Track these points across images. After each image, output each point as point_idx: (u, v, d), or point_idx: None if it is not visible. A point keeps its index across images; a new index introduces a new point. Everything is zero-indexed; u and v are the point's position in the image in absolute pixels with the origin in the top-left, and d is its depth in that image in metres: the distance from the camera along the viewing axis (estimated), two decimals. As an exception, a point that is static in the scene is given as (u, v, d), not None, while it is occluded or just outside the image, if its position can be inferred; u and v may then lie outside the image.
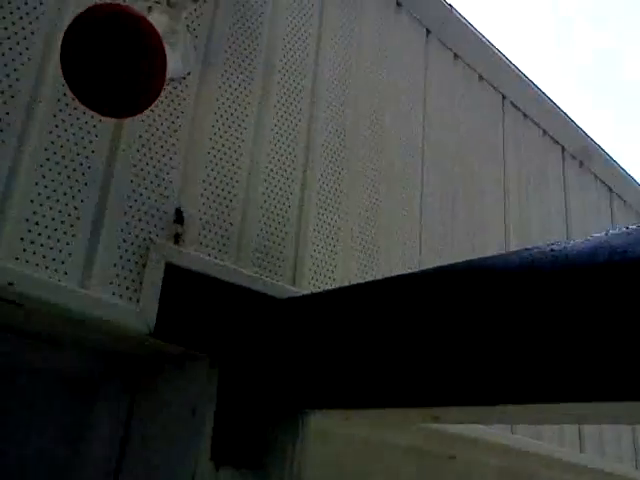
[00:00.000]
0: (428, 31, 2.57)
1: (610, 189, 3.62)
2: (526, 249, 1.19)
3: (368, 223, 2.00)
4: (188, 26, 1.64)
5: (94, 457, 1.64)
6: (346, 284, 1.84)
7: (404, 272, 1.73)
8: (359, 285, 1.57)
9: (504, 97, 2.92)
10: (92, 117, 1.39)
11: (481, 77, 2.81)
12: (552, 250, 1.11)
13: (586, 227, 3.21)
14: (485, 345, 1.11)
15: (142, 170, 1.47)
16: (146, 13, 1.55)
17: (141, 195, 1.46)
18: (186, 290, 1.51)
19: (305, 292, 1.74)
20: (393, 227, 2.09)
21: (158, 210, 1.49)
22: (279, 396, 1.58)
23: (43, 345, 1.63)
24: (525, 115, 3.04)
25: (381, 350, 1.37)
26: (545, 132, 3.16)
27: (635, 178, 3.73)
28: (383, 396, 1.37)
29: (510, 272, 1.17)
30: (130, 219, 1.43)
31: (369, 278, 1.92)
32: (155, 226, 1.47)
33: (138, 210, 1.45)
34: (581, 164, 3.38)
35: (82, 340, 1.63)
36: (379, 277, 1.92)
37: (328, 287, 1.82)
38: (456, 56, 2.70)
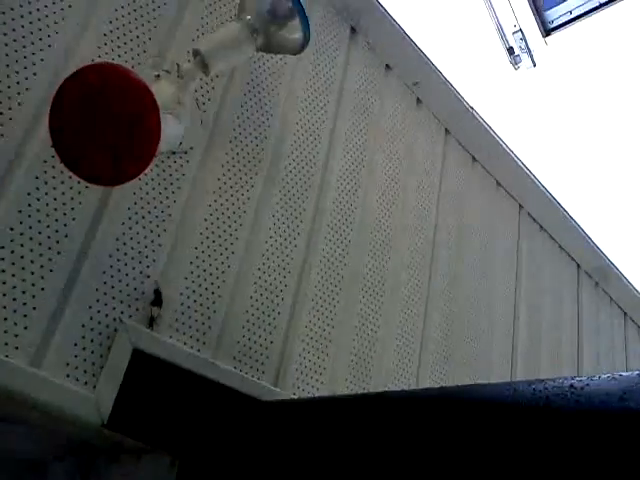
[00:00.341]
0: (447, 131, 2.52)
1: (625, 312, 3.46)
2: (540, 381, 1.03)
3: (363, 333, 1.85)
4: (197, 99, 1.58)
5: None
6: (334, 392, 1.67)
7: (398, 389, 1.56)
8: (345, 397, 1.41)
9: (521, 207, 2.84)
10: (78, 182, 1.30)
11: (499, 184, 2.74)
12: (572, 387, 0.96)
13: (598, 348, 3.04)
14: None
15: (125, 244, 1.36)
16: (153, 81, 1.49)
17: (119, 271, 1.34)
18: (152, 381, 1.35)
19: (287, 394, 1.57)
20: (390, 340, 1.93)
21: (135, 289, 1.36)
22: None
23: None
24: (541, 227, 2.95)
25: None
26: (561, 247, 3.05)
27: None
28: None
29: (520, 406, 1.01)
30: (102, 296, 1.30)
31: (359, 389, 1.75)
32: (129, 306, 1.34)
33: (112, 287, 1.32)
34: (597, 284, 3.24)
35: (32, 419, 1.46)
36: (370, 389, 1.75)
37: (314, 391, 1.64)
38: (474, 159, 2.65)
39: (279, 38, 1.68)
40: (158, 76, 1.54)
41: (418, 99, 2.41)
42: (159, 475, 1.42)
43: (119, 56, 1.46)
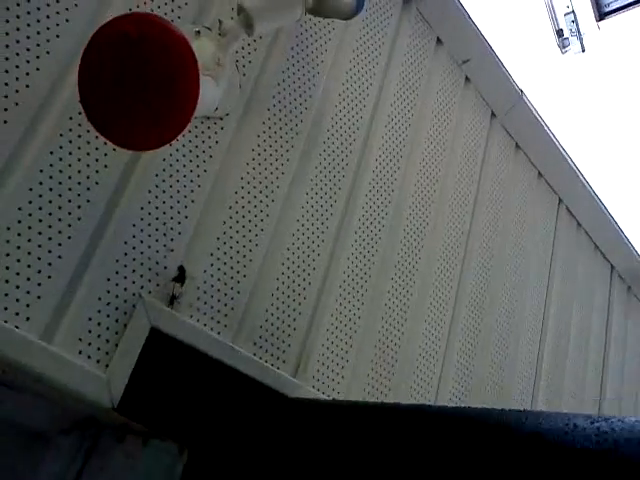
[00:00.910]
0: (493, 114, 2.38)
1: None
2: (565, 415, 0.92)
3: (389, 326, 1.75)
4: (237, 62, 1.46)
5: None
6: (352, 390, 1.58)
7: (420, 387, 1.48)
8: (372, 405, 1.32)
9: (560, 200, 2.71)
10: (105, 144, 1.20)
11: (540, 175, 2.60)
12: (598, 430, 0.84)
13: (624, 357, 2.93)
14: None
15: (149, 214, 1.26)
16: (193, 38, 1.37)
17: (142, 242, 1.24)
18: (168, 363, 1.27)
19: (307, 386, 1.49)
20: (416, 335, 1.83)
21: (158, 263, 1.26)
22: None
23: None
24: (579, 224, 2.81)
25: None
26: (597, 246, 2.92)
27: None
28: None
29: (539, 438, 0.91)
30: (122, 268, 1.21)
31: (381, 386, 1.66)
32: (149, 281, 1.25)
33: (134, 259, 1.23)
34: (629, 288, 3.11)
35: (38, 391, 1.39)
36: (392, 386, 1.67)
37: (334, 386, 1.56)
38: (517, 146, 2.50)
39: (331, 1, 1.55)
40: (198, 32, 1.42)
41: (467, 77, 2.27)
42: (164, 461, 1.36)
43: (158, 7, 1.34)
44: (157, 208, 1.27)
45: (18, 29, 1.13)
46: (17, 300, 1.08)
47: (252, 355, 1.39)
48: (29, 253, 1.09)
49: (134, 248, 1.23)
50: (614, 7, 4.17)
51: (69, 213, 1.14)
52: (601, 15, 4.27)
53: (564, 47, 4.51)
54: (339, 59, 1.74)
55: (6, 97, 1.10)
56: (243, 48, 1.49)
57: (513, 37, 4.29)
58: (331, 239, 1.62)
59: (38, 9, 1.14)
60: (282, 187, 1.52)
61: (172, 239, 1.29)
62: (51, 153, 1.13)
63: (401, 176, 1.88)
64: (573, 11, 4.34)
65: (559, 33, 4.49)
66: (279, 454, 1.32)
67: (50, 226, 1.12)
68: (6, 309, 1.06)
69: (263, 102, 1.51)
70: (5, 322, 1.05)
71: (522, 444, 0.90)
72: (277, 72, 1.56)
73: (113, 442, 1.47)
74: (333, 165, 1.67)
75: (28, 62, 1.13)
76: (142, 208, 1.25)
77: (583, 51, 4.49)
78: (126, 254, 1.21)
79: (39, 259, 1.10)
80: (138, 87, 1.06)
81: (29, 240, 1.09)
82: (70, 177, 1.15)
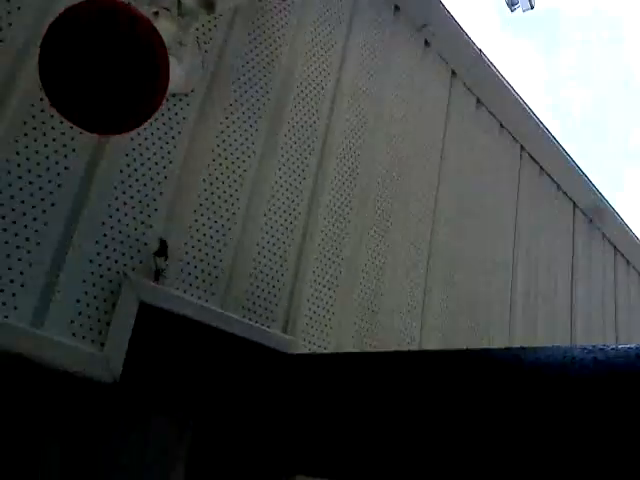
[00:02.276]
0: (454, 73, 2.27)
1: (615, 248, 3.29)
2: (561, 348, 0.85)
3: (371, 276, 1.68)
4: (198, 39, 1.35)
5: None
6: (342, 337, 1.52)
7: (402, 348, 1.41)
8: (358, 354, 1.26)
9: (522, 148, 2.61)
10: (71, 128, 1.09)
11: (502, 126, 2.50)
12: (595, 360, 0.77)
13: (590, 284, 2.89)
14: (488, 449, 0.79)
15: (124, 193, 1.16)
16: (152, 19, 1.26)
17: (119, 221, 1.15)
18: (162, 335, 1.19)
19: (298, 340, 1.42)
20: (395, 296, 1.76)
21: (138, 240, 1.17)
22: (261, 461, 1.26)
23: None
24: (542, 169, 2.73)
25: (374, 429, 1.05)
26: (559, 187, 2.84)
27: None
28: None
29: (539, 372, 0.85)
30: (102, 249, 1.12)
31: (367, 332, 1.60)
32: (132, 258, 1.16)
33: (113, 239, 1.14)
34: (590, 221, 3.05)
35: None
36: (378, 332, 1.60)
37: (323, 337, 1.49)
38: (479, 101, 2.40)
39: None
40: (157, 13, 1.30)
41: (426, 41, 2.15)
42: (173, 430, 1.29)
43: (110, -11, 1.22)
44: (131, 186, 1.17)
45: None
46: (2, 290, 0.99)
47: (241, 317, 1.32)
48: (6, 242, 1.00)
49: (112, 228, 1.14)
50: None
51: (42, 199, 1.05)
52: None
53: (513, 5, 4.34)
54: (299, 32, 1.62)
55: (-37, 90, 0.99)
56: (203, 25, 1.37)
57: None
58: (307, 199, 1.54)
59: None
60: (253, 157, 1.43)
61: (149, 215, 1.20)
62: (16, 141, 1.03)
63: (369, 138, 1.78)
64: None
65: (508, -6, 4.31)
66: (278, 408, 1.25)
67: (24, 214, 1.03)
68: (-10, 299, 0.98)
69: (227, 77, 1.41)
70: (-9, 312, 0.97)
71: (525, 379, 0.84)
72: (239, 48, 1.45)
73: (122, 418, 1.40)
74: (302, 132, 1.57)
75: (-18, 54, 1.02)
76: (115, 188, 1.15)
77: (532, 8, 4.32)
78: (105, 235, 1.13)
79: (17, 248, 1.02)
80: (102, 72, 0.95)
81: (4, 230, 1.00)
82: (38, 163, 1.05)
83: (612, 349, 0.72)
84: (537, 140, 2.59)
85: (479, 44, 2.33)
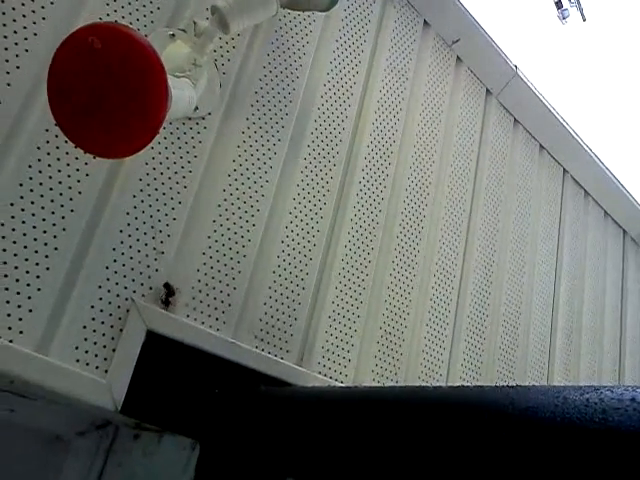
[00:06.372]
0: (488, 91, 2.26)
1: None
2: (555, 388, 0.83)
3: (394, 307, 1.68)
4: (216, 60, 1.40)
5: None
6: (360, 375, 1.52)
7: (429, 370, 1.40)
8: (381, 389, 1.25)
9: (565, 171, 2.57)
10: (85, 153, 1.15)
11: (542, 147, 2.48)
12: (587, 401, 0.75)
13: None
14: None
15: (136, 219, 1.21)
16: (167, 41, 1.32)
17: (130, 248, 1.19)
18: (168, 364, 1.22)
19: (313, 373, 1.43)
20: (422, 315, 1.75)
21: (149, 267, 1.21)
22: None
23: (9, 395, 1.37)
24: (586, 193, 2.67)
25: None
26: (606, 213, 2.78)
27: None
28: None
29: (531, 414, 0.83)
30: (112, 275, 1.16)
31: (389, 366, 1.59)
32: (142, 285, 1.20)
33: (123, 265, 1.18)
34: (643, 250, 2.96)
35: (48, 397, 1.37)
36: (402, 367, 1.59)
37: (341, 370, 1.50)
38: (516, 121, 2.39)
39: (305, -8, 1.48)
40: (173, 35, 1.36)
41: (458, 57, 2.16)
42: (181, 454, 1.32)
43: (130, 14, 1.28)
44: (144, 212, 1.22)
45: (-12, 48, 1.09)
46: (8, 315, 1.04)
47: (254, 348, 1.34)
48: (16, 267, 1.05)
49: (123, 254, 1.18)
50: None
51: (53, 224, 1.10)
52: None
53: (564, 18, 4.32)
54: (322, 50, 1.66)
55: (-20, 116, 1.06)
56: (221, 47, 1.42)
57: (511, 12, 4.12)
58: (327, 228, 1.55)
59: (4, 25, 1.10)
60: (271, 182, 1.46)
61: (162, 241, 1.24)
62: (29, 167, 1.09)
63: (395, 162, 1.80)
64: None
65: (558, 5, 4.30)
66: (284, 442, 1.26)
67: (35, 239, 1.08)
68: (-2, 324, 1.03)
69: (245, 99, 1.45)
70: (-2, 337, 1.02)
71: (515, 420, 0.83)
72: (258, 68, 1.49)
73: (130, 440, 1.44)
74: (323, 155, 1.59)
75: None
76: (128, 214, 1.20)
77: (584, 20, 4.29)
78: (115, 260, 1.17)
79: (27, 272, 1.07)
80: (106, 97, 1.01)
81: (15, 255, 1.05)
82: (51, 189, 1.10)
83: (608, 390, 0.70)
84: (580, 162, 2.54)
85: (522, 59, 2.34)
